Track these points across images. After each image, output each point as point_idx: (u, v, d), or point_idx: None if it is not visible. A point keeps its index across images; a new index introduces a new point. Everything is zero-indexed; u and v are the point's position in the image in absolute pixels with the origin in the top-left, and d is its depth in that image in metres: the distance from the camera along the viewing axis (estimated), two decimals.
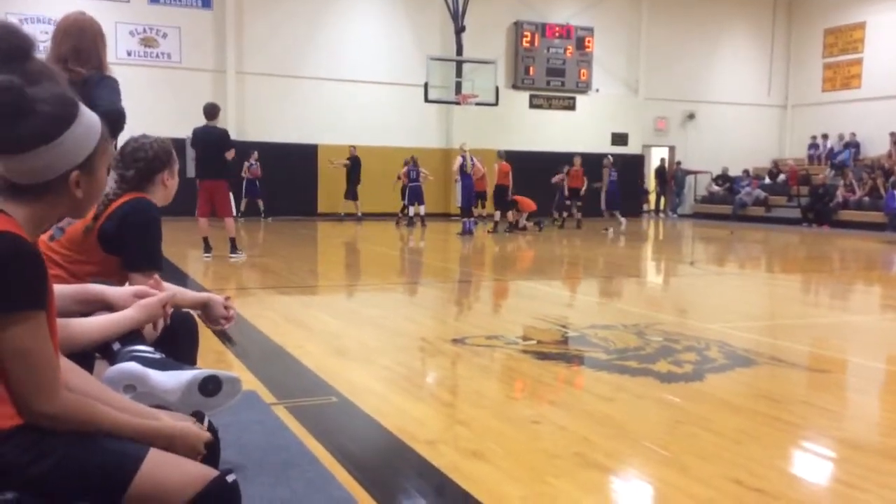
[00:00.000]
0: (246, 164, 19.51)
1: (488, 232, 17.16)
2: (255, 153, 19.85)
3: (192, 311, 2.88)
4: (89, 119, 1.69)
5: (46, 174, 1.63)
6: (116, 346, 2.48)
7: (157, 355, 2.46)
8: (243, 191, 19.76)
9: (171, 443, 1.74)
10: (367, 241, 15.28)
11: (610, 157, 19.73)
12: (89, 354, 2.46)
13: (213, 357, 4.90)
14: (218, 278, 9.67)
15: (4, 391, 1.58)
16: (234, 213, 11.92)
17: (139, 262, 2.83)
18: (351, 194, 20.53)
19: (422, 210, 18.84)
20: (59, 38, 3.89)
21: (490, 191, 17.81)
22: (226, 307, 2.86)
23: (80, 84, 3.75)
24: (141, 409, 1.81)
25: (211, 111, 10.99)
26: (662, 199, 26.19)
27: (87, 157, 1.67)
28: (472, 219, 16.91)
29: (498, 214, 17.55)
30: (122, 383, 2.26)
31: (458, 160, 17.37)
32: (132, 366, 2.36)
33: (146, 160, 2.95)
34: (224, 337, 5.29)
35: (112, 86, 3.95)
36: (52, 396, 1.59)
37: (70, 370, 1.75)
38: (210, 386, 2.39)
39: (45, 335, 1.59)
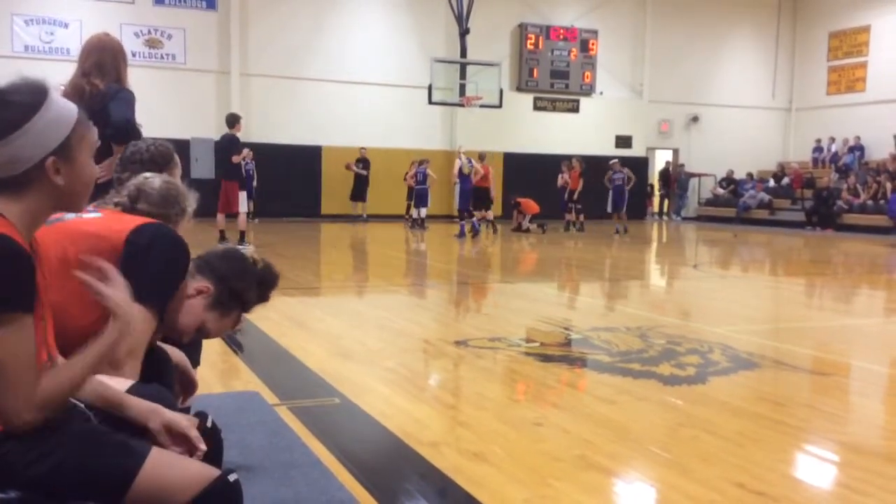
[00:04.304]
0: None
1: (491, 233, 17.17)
2: (249, 152, 19.23)
3: None
4: (60, 105, 1.65)
5: (21, 164, 1.59)
6: None
7: None
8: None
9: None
10: (371, 243, 15.28)
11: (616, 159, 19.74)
12: None
13: (216, 357, 4.91)
14: None
15: None
16: (246, 210, 13.00)
17: None
18: (360, 195, 20.96)
19: (423, 213, 18.85)
20: (84, 55, 4.20)
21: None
22: None
23: (99, 96, 4.04)
24: (114, 393, 1.85)
25: (227, 120, 12.51)
26: (666, 202, 26.15)
27: (63, 144, 1.63)
28: (476, 220, 16.89)
29: (490, 215, 17.59)
30: None
31: (457, 163, 17.38)
32: None
33: (142, 163, 2.93)
34: (232, 342, 5.30)
35: (125, 98, 4.13)
36: (29, 404, 1.55)
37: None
38: None
39: (28, 338, 1.55)
